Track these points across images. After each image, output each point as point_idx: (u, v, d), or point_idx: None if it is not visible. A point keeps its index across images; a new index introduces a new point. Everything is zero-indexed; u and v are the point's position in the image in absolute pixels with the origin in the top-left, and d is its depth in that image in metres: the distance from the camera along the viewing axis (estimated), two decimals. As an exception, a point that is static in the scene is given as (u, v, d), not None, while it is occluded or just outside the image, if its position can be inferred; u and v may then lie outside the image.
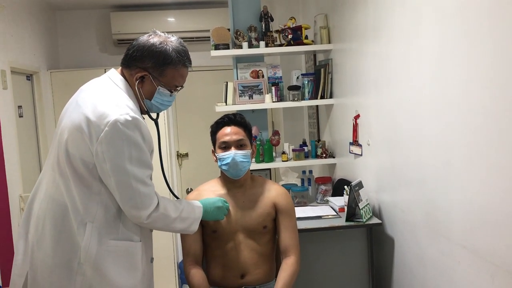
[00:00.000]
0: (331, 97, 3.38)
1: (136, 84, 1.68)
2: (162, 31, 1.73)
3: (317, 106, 4.01)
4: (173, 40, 1.70)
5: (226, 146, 2.07)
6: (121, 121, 1.54)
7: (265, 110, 3.57)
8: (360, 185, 2.64)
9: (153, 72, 1.67)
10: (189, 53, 1.76)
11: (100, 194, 1.61)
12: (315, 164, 3.68)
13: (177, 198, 2.00)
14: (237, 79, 3.45)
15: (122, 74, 1.72)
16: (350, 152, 3.03)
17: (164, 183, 1.92)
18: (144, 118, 1.70)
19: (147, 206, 1.62)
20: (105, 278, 1.61)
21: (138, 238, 1.69)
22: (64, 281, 1.60)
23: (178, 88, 1.76)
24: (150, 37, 1.69)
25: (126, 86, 1.69)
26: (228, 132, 2.08)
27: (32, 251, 1.65)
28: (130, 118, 1.55)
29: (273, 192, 2.14)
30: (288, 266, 2.05)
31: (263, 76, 3.44)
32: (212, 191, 2.13)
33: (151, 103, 1.73)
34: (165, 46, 1.66)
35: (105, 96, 1.62)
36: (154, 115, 1.81)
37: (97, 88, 1.68)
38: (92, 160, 1.57)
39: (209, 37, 3.38)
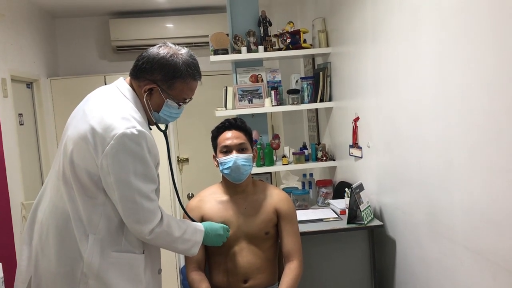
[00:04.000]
0: (330, 100, 3.39)
1: (145, 96, 1.67)
2: (172, 43, 1.72)
3: (316, 109, 4.02)
4: (183, 53, 1.69)
5: (227, 150, 2.08)
6: (127, 134, 1.53)
7: (265, 114, 3.58)
8: (361, 187, 2.64)
9: (162, 84, 1.66)
10: None
11: (104, 205, 1.60)
12: (316, 167, 3.69)
13: (184, 209, 1.99)
14: (237, 83, 3.46)
15: (131, 84, 1.70)
16: (350, 155, 3.04)
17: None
18: (151, 129, 1.70)
19: (150, 221, 1.61)
20: None
21: (141, 250, 1.68)
22: None
23: (187, 101, 1.75)
24: (160, 49, 1.68)
25: (134, 97, 1.68)
26: (229, 136, 2.09)
27: (36, 258, 1.65)
28: (136, 132, 1.54)
29: (275, 198, 2.15)
30: (291, 271, 2.05)
31: (262, 81, 3.45)
32: (214, 198, 2.14)
33: (158, 115, 1.72)
34: (175, 59, 1.65)
35: (112, 107, 1.60)
36: (162, 126, 1.80)
37: (105, 98, 1.66)
38: (97, 172, 1.56)
39: (208, 43, 3.39)
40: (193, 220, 1.96)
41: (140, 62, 1.67)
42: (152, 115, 1.71)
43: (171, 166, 1.87)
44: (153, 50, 1.68)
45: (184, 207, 2.01)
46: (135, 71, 1.69)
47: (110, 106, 1.61)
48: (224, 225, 1.99)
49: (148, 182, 1.60)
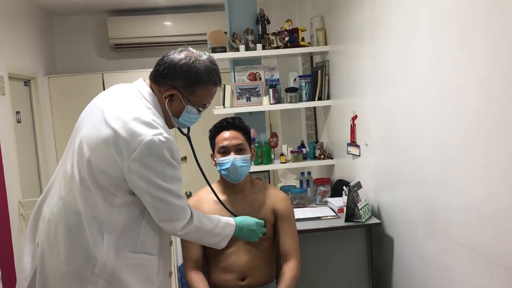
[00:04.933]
0: (328, 98, 3.39)
1: (166, 102, 1.67)
2: (194, 49, 1.70)
3: (314, 107, 4.02)
4: (204, 59, 1.68)
5: (225, 151, 2.07)
6: (155, 142, 1.54)
7: (263, 112, 3.58)
8: (358, 185, 2.65)
9: (183, 91, 1.66)
10: None
11: (122, 206, 1.61)
12: (314, 166, 3.69)
13: (225, 206, 2.00)
14: (235, 81, 3.46)
15: (151, 87, 1.70)
16: (348, 153, 3.05)
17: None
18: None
19: (182, 218, 1.64)
20: None
21: (156, 252, 1.69)
22: None
23: (206, 106, 1.75)
24: (182, 54, 1.66)
25: (155, 101, 1.67)
26: (227, 137, 2.08)
27: (43, 256, 1.64)
28: (164, 139, 1.56)
29: (273, 198, 2.14)
30: (289, 270, 2.05)
31: (260, 79, 3.45)
32: (211, 198, 2.12)
33: (178, 120, 1.72)
34: (197, 65, 1.64)
35: (135, 111, 1.59)
36: (184, 130, 1.81)
37: (125, 99, 1.65)
38: (119, 174, 1.57)
39: (206, 41, 3.39)
40: (233, 214, 1.97)
41: (161, 68, 1.65)
42: (172, 120, 1.71)
43: (201, 168, 1.89)
44: (175, 55, 1.66)
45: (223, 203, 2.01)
46: (156, 76, 1.67)
47: (133, 109, 1.60)
48: (259, 220, 1.97)
49: (176, 182, 1.62)
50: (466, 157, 1.76)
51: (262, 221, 1.99)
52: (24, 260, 1.71)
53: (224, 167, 2.05)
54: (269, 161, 3.37)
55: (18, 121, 4.03)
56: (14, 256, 3.45)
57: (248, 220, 1.93)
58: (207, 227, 1.74)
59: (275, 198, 2.15)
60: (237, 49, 3.33)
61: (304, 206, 3.05)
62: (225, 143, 2.07)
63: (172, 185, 1.60)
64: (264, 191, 2.17)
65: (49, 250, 1.63)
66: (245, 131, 2.12)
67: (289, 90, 3.39)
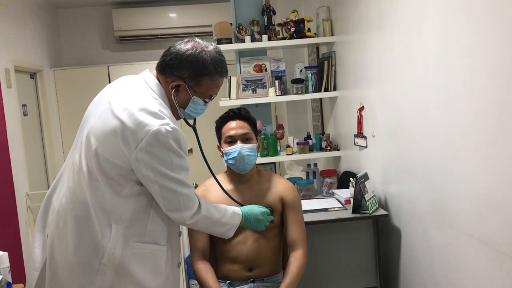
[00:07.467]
0: (334, 89, 3.37)
1: (172, 93, 1.67)
2: (200, 39, 1.70)
3: (320, 99, 4.01)
4: (211, 50, 1.67)
5: (232, 141, 2.07)
6: (162, 131, 1.55)
7: (269, 104, 3.57)
8: (365, 176, 2.63)
9: (189, 81, 1.66)
10: None
11: (129, 197, 1.62)
12: (320, 157, 3.68)
13: (229, 195, 2.00)
14: (240, 73, 3.45)
15: (157, 78, 1.70)
16: (355, 144, 3.03)
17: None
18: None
19: (190, 207, 1.65)
20: (127, 279, 1.62)
21: (164, 242, 1.69)
22: (83, 280, 1.61)
23: (212, 97, 1.75)
24: (189, 44, 1.66)
25: (161, 92, 1.67)
26: (234, 126, 2.08)
27: (52, 247, 1.65)
28: (170, 129, 1.56)
29: (280, 187, 2.14)
30: (296, 260, 2.05)
31: (266, 70, 3.43)
32: (218, 188, 2.12)
33: (184, 111, 1.73)
34: (203, 56, 1.64)
35: (141, 101, 1.60)
36: (190, 121, 1.81)
37: (132, 91, 1.65)
38: (126, 165, 1.57)
39: (211, 32, 3.38)
40: (239, 204, 1.98)
41: (168, 58, 1.66)
42: (178, 111, 1.71)
43: (205, 158, 1.90)
44: (181, 45, 1.66)
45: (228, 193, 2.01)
46: (162, 66, 1.67)
47: (139, 100, 1.60)
48: (266, 209, 1.98)
49: (183, 171, 1.63)
50: (474, 148, 1.74)
51: (269, 210, 1.99)
52: (35, 251, 1.73)
53: (231, 156, 2.05)
54: (275, 153, 3.37)
55: (25, 114, 4.04)
56: (22, 248, 3.48)
57: (254, 209, 1.94)
58: (215, 217, 1.75)
59: (282, 187, 2.15)
60: (243, 41, 3.31)
61: (310, 197, 3.04)
62: (232, 132, 2.07)
63: (179, 174, 1.61)
64: (271, 180, 2.17)
65: (58, 241, 1.64)
66: (251, 121, 2.12)
67: (295, 81, 3.37)
